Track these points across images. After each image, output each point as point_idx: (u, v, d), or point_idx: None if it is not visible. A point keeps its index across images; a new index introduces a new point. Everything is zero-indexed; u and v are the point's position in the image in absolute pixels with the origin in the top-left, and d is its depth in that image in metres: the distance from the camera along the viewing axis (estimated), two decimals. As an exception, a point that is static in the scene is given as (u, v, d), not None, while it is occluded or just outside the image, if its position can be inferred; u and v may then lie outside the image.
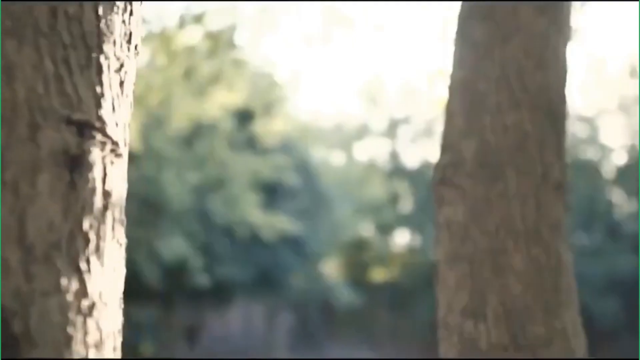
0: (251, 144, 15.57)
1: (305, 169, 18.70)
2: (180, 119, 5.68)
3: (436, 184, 1.46)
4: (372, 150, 23.81)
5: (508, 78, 1.42)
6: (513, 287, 1.25)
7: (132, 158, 13.70)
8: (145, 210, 14.52)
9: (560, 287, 1.28)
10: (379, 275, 21.71)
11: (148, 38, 5.20)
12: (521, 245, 1.29)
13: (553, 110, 1.41)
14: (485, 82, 1.44)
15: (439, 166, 1.47)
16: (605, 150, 21.77)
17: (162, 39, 5.01)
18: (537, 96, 1.41)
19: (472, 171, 1.37)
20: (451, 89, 1.52)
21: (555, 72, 1.45)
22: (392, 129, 22.82)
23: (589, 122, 22.00)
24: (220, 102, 5.69)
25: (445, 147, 1.46)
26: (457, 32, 1.55)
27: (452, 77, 1.53)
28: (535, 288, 1.25)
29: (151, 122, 11.14)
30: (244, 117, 14.74)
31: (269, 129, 12.35)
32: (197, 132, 14.57)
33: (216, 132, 14.50)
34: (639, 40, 5.35)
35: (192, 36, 4.94)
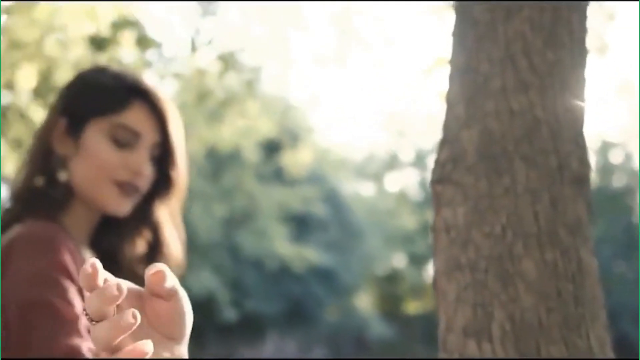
0: (279, 176, 15.46)
1: (334, 200, 18.53)
2: (194, 146, 5.56)
3: (434, 183, 1.25)
4: (402, 181, 23.60)
5: (514, 57, 1.22)
6: (524, 299, 1.04)
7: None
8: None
9: (583, 298, 1.05)
10: (412, 307, 21.36)
11: (160, 64, 5.10)
12: (533, 249, 1.07)
13: (568, 91, 1.20)
14: (488, 64, 1.24)
15: (437, 163, 1.27)
16: (637, 176, 21.30)
17: (173, 64, 4.89)
18: (548, 76, 1.20)
19: (473, 165, 1.17)
20: (451, 76, 1.32)
21: (570, 50, 1.24)
22: (420, 159, 22.65)
23: (622, 148, 21.58)
24: (237, 127, 5.56)
25: (445, 141, 1.26)
26: (457, 13, 1.36)
27: (452, 62, 1.33)
28: (551, 299, 1.03)
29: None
30: (271, 148, 14.65)
31: (297, 160, 12.22)
32: (223, 164, 14.52)
33: (243, 164, 14.42)
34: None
35: (204, 60, 4.82)
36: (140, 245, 1.58)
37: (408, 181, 22.51)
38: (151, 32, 4.98)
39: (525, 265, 1.05)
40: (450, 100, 1.28)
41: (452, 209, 1.16)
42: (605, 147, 21.20)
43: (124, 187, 1.48)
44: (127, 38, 4.82)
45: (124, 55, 5.03)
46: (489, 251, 1.08)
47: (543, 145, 1.15)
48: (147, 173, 1.50)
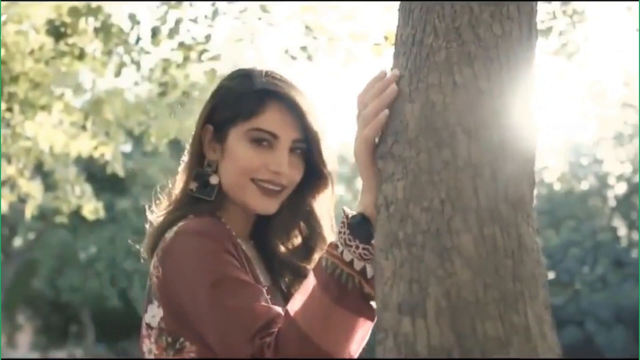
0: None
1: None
2: (159, 138, 5.48)
3: (377, 159, 1.22)
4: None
5: (459, 30, 1.19)
6: (460, 275, 1.00)
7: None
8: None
9: (522, 275, 1.02)
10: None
11: (124, 53, 5.01)
12: (472, 224, 1.03)
13: (516, 64, 1.17)
14: (433, 37, 1.20)
15: (381, 139, 1.24)
16: (605, 179, 21.52)
17: (136, 52, 4.81)
18: (494, 49, 1.17)
19: (413, 138, 1.13)
20: (397, 49, 1.29)
21: (518, 24, 1.21)
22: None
23: (588, 152, 21.78)
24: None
25: (389, 118, 1.23)
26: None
27: (397, 36, 1.30)
28: (489, 275, 1.00)
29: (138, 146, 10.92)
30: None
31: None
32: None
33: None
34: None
35: (166, 48, 4.74)
36: (298, 238, 1.64)
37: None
38: (116, 20, 4.89)
39: (463, 240, 1.01)
40: (395, 76, 1.24)
41: (392, 184, 1.12)
42: (573, 150, 21.39)
43: (265, 187, 1.54)
44: (89, 26, 4.74)
45: (87, 44, 4.94)
46: (427, 226, 1.04)
47: (486, 119, 1.11)
48: (287, 172, 1.54)
